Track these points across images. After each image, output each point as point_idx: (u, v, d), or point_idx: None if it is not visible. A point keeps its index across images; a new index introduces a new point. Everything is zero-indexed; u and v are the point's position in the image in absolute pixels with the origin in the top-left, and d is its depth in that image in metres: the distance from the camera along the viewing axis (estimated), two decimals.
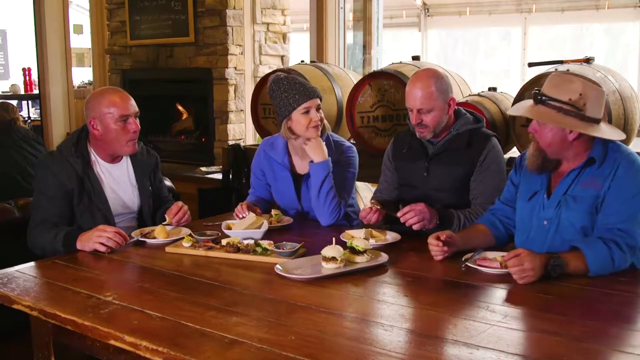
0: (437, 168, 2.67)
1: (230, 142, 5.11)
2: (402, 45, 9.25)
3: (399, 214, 2.44)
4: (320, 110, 2.74)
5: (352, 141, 3.83)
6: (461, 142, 2.63)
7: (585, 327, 1.65)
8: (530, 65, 3.69)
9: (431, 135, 2.63)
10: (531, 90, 3.17)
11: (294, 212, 2.88)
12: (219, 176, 4.84)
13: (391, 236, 2.47)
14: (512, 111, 2.34)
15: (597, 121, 2.07)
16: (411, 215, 2.42)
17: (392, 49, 8.83)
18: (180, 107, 5.87)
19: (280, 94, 2.71)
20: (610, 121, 2.98)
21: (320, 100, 2.74)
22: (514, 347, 1.51)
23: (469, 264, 2.09)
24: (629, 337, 1.61)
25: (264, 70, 5.32)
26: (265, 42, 5.45)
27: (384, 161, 2.90)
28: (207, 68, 5.27)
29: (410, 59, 4.07)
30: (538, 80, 3.23)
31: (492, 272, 2.03)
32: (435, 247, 2.19)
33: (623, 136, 2.17)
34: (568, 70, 3.05)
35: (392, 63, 3.95)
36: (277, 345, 1.51)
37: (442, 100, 2.57)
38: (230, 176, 4.64)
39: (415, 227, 2.44)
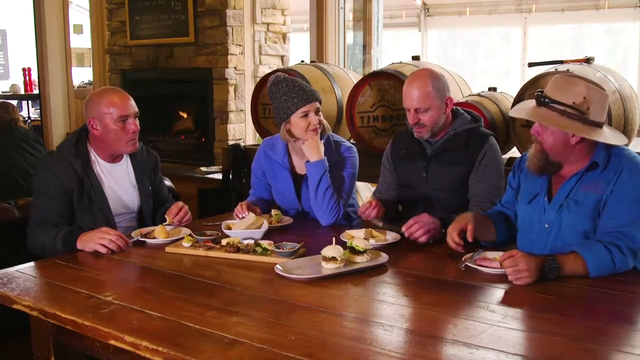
0: (436, 168, 2.67)
1: (230, 142, 5.11)
2: (402, 45, 9.24)
3: (403, 229, 2.37)
4: (320, 113, 2.73)
5: (352, 141, 3.83)
6: (459, 142, 2.63)
7: (585, 327, 1.65)
8: (530, 65, 3.69)
9: (429, 135, 2.63)
10: (531, 90, 3.18)
11: (294, 212, 2.88)
12: (219, 176, 4.84)
13: (391, 236, 2.46)
14: (514, 113, 2.26)
15: (600, 125, 2.06)
16: (416, 228, 2.34)
17: (392, 49, 8.82)
18: (182, 113, 5.87)
19: (279, 96, 2.70)
20: (610, 122, 2.98)
21: (320, 103, 2.73)
22: (514, 347, 1.51)
23: (469, 264, 2.09)
24: (629, 337, 1.61)
25: (264, 70, 5.32)
26: (265, 42, 5.45)
27: (383, 162, 2.90)
28: (207, 68, 5.27)
29: (410, 59, 4.07)
30: (538, 80, 3.24)
31: (492, 272, 2.03)
32: (456, 246, 2.21)
33: (626, 141, 2.16)
34: (568, 70, 3.05)
35: (392, 63, 3.95)
36: (277, 345, 1.51)
37: (439, 99, 2.57)
38: (230, 176, 4.64)
39: (421, 240, 2.35)
